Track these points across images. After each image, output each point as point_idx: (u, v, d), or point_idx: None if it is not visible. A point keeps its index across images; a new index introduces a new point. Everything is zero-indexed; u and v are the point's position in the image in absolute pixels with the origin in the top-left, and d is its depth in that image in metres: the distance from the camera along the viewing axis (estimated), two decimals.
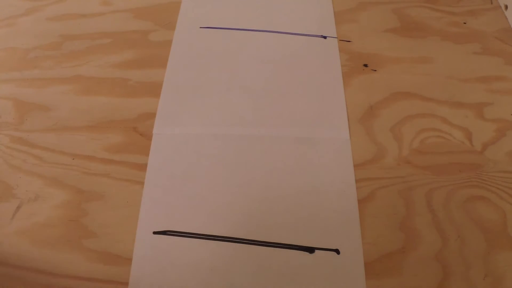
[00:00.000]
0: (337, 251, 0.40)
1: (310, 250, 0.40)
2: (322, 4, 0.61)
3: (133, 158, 0.46)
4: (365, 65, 0.54)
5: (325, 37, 0.57)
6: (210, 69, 0.53)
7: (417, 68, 0.54)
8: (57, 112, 0.49)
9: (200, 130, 0.48)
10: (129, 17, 0.59)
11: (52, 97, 0.50)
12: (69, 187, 0.44)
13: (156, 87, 0.51)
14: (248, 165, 0.45)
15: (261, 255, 0.40)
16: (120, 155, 0.46)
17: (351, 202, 0.43)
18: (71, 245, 0.41)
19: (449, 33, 0.58)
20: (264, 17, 0.59)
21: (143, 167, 0.45)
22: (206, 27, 0.58)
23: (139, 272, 0.39)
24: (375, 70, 0.54)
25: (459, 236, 0.41)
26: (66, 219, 0.42)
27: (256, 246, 0.40)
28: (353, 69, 0.54)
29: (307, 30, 0.57)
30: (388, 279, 0.39)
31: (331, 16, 0.59)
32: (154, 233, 0.41)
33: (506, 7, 0.60)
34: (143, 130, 0.48)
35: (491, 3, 0.61)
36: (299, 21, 0.58)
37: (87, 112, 0.49)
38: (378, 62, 0.54)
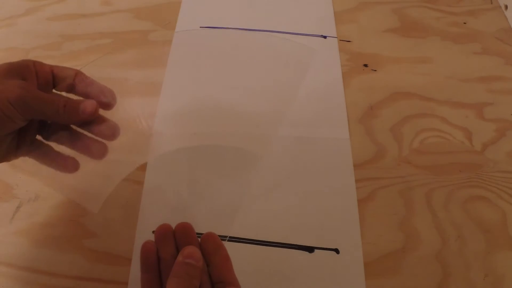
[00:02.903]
0: (336, 251, 0.40)
1: (310, 249, 0.40)
2: (322, 4, 0.61)
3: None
4: (365, 65, 0.54)
5: (325, 37, 0.57)
6: (210, 68, 0.53)
7: (417, 68, 0.54)
8: None
9: (200, 129, 0.48)
10: (129, 17, 0.59)
11: None
12: None
13: (156, 87, 0.51)
14: (248, 165, 0.45)
15: (260, 254, 0.40)
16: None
17: (351, 202, 0.43)
18: (71, 245, 0.41)
19: (449, 33, 0.58)
20: (264, 17, 0.59)
21: (143, 167, 0.45)
22: (206, 27, 0.58)
23: (138, 272, 0.39)
24: (375, 70, 0.54)
25: (459, 236, 0.41)
26: (66, 219, 0.42)
27: (255, 245, 0.40)
28: (353, 69, 0.54)
29: (307, 30, 0.57)
30: (388, 279, 0.39)
31: (331, 16, 0.59)
32: (154, 232, 0.41)
33: (506, 7, 0.60)
34: (143, 130, 0.48)
35: (491, 3, 0.61)
36: (299, 21, 0.58)
37: None
38: (378, 62, 0.54)
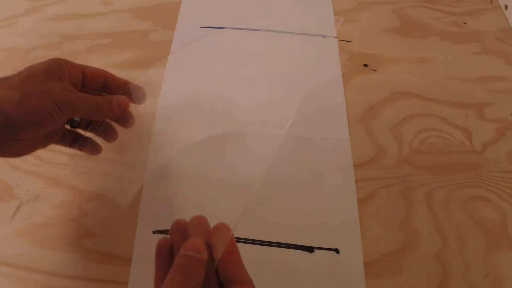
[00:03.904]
0: (336, 251, 0.40)
1: (310, 249, 0.40)
2: (322, 4, 0.61)
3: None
4: (365, 65, 0.54)
5: (325, 37, 0.57)
6: (210, 69, 0.53)
7: (417, 68, 0.54)
8: None
9: (200, 129, 0.48)
10: (129, 17, 0.59)
11: None
12: (69, 187, 0.44)
13: (156, 87, 0.51)
14: (248, 165, 0.45)
15: (260, 254, 0.40)
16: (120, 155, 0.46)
17: (351, 202, 0.43)
18: (71, 245, 0.41)
19: (449, 33, 0.58)
20: (264, 17, 0.59)
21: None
22: (206, 27, 0.58)
23: (138, 272, 0.39)
24: (375, 70, 0.54)
25: (459, 236, 0.41)
26: (66, 219, 0.42)
27: (255, 245, 0.40)
28: (353, 69, 0.54)
29: (307, 30, 0.57)
30: (388, 279, 0.39)
31: (331, 16, 0.59)
32: (154, 232, 0.41)
33: (506, 7, 0.60)
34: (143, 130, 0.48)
35: (491, 3, 0.61)
36: (299, 21, 0.58)
37: None
38: (378, 62, 0.54)
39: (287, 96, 0.51)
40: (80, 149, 0.38)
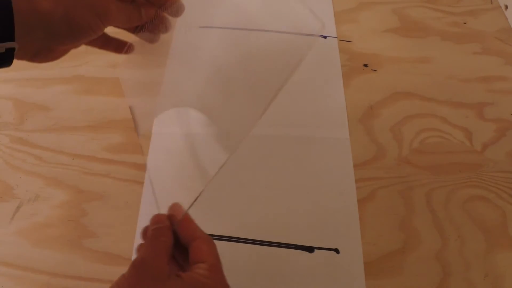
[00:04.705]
0: (336, 251, 0.40)
1: (310, 249, 0.40)
2: (322, 4, 0.61)
3: (133, 158, 0.46)
4: (365, 65, 0.54)
5: (325, 37, 0.57)
6: (210, 69, 0.53)
7: (417, 68, 0.54)
8: (57, 112, 0.49)
9: (199, 129, 0.48)
10: None
11: (52, 97, 0.50)
12: (69, 187, 0.44)
13: (156, 87, 0.51)
14: (248, 165, 0.45)
15: (260, 254, 0.40)
16: (120, 155, 0.46)
17: (351, 202, 0.43)
18: (71, 245, 0.41)
19: (449, 33, 0.58)
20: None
21: (143, 167, 0.45)
22: (206, 27, 0.58)
23: None
24: (375, 70, 0.54)
25: (459, 236, 0.41)
26: (66, 219, 0.42)
27: (255, 245, 0.40)
28: (353, 69, 0.54)
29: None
30: (388, 279, 0.39)
31: (331, 16, 0.59)
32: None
33: (506, 7, 0.60)
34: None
35: (491, 3, 0.61)
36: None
37: (87, 112, 0.49)
38: (378, 62, 0.54)
39: (287, 96, 0.51)
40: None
